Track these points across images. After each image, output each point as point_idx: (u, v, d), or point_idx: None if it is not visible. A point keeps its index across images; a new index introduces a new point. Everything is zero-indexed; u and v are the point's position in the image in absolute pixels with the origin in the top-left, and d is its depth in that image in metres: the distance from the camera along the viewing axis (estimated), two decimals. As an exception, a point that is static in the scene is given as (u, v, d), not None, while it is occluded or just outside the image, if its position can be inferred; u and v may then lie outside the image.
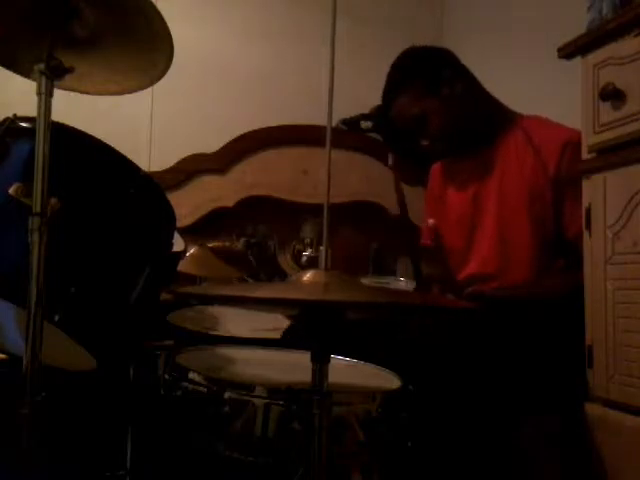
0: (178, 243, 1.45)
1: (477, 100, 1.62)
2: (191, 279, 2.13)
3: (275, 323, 1.67)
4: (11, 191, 0.95)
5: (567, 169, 1.45)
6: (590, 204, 1.24)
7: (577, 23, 1.35)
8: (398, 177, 1.73)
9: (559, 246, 1.51)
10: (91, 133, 1.10)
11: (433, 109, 1.58)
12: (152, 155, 2.69)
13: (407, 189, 2.81)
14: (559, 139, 1.48)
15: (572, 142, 1.42)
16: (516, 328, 1.37)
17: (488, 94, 1.65)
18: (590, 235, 1.24)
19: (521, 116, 1.64)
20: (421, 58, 1.65)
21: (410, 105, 1.60)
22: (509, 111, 1.65)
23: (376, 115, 2.72)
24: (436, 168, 1.83)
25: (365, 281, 2.17)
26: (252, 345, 1.49)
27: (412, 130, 1.64)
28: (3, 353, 1.29)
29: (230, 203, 2.84)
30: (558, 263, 1.52)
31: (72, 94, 1.10)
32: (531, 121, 1.61)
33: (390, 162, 1.74)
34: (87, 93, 1.15)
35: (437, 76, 1.60)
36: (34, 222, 0.92)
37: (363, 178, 2.88)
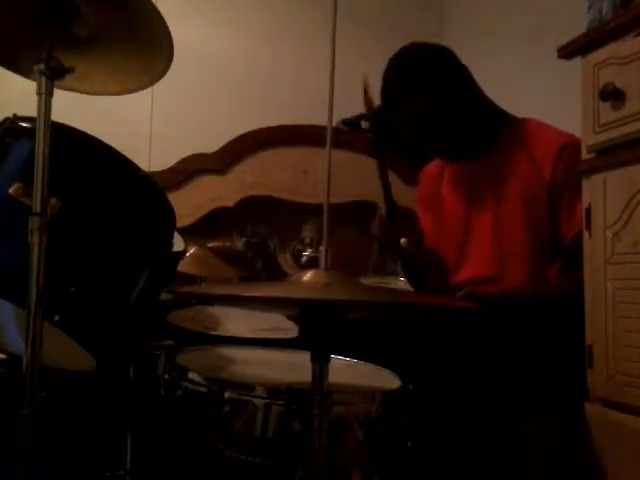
0: (178, 243, 1.45)
1: (474, 102, 1.61)
2: (191, 279, 2.13)
3: (275, 323, 1.67)
4: (11, 191, 0.95)
5: (562, 173, 1.44)
6: (590, 204, 1.24)
7: (577, 23, 1.35)
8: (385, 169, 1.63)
9: (555, 250, 1.50)
10: (91, 133, 1.10)
11: (432, 111, 1.57)
12: (152, 155, 2.69)
13: (406, 189, 2.83)
14: (554, 143, 1.48)
15: (567, 147, 1.42)
16: (516, 328, 1.37)
17: (485, 96, 1.64)
18: (590, 235, 1.24)
19: (517, 119, 1.63)
20: (421, 58, 1.61)
21: (412, 107, 1.57)
22: (506, 114, 1.64)
23: (375, 115, 2.71)
24: (428, 171, 1.81)
25: (365, 281, 2.17)
26: (252, 345, 1.49)
27: (412, 131, 1.63)
28: (3, 353, 1.29)
29: (230, 203, 2.84)
30: (554, 267, 1.52)
31: (72, 94, 1.10)
32: (528, 124, 1.59)
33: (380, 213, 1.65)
34: (87, 93, 1.15)
35: (437, 77, 1.57)
36: (34, 222, 0.92)
37: (363, 178, 2.87)
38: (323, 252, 0.92)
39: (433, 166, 1.80)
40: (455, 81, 1.58)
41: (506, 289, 1.53)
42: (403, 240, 1.60)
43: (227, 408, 1.06)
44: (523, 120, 1.62)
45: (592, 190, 1.24)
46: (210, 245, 2.26)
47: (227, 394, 1.07)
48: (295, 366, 1.25)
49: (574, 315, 1.25)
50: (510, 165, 1.56)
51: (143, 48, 1.06)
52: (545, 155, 1.49)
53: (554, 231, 1.49)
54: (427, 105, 1.56)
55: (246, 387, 1.08)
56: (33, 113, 0.96)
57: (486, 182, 1.61)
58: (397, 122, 1.63)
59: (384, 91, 1.61)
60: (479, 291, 1.52)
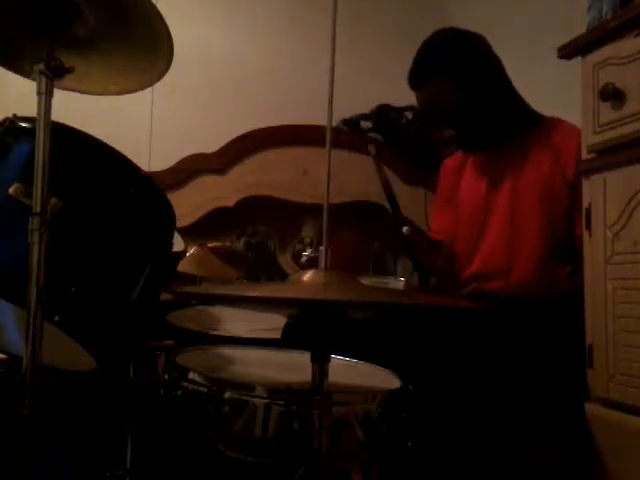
0: (178, 243, 1.45)
1: (502, 93, 1.61)
2: (191, 279, 2.13)
3: (275, 323, 1.67)
4: (11, 191, 0.95)
5: None
6: (590, 204, 1.24)
7: (577, 23, 1.35)
8: (381, 167, 1.61)
9: (568, 251, 1.50)
10: (91, 133, 1.10)
11: (461, 100, 1.56)
12: (152, 155, 2.69)
13: (407, 188, 2.83)
14: (579, 143, 1.48)
15: None
16: (516, 328, 1.37)
17: (515, 91, 1.63)
18: (590, 235, 1.24)
19: (546, 117, 1.63)
20: (458, 44, 1.61)
21: (441, 93, 1.57)
22: (532, 110, 1.64)
23: (377, 115, 2.70)
24: (448, 164, 1.82)
25: (365, 281, 2.16)
26: (252, 345, 1.49)
27: (436, 119, 1.63)
28: (3, 353, 1.29)
29: (230, 203, 2.84)
30: (565, 268, 1.51)
31: (72, 94, 1.10)
32: (553, 122, 1.60)
33: (372, 152, 1.66)
34: (87, 93, 1.15)
35: (470, 67, 1.57)
36: (34, 222, 0.92)
37: (363, 178, 2.87)
38: (323, 252, 0.92)
39: (453, 160, 1.80)
40: (484, 69, 1.58)
41: (512, 284, 1.53)
42: (406, 228, 1.60)
43: (227, 408, 1.06)
44: (553, 119, 1.62)
45: (592, 190, 1.24)
46: (210, 245, 2.25)
47: (227, 394, 1.06)
48: (295, 366, 1.25)
49: (575, 315, 1.25)
50: (532, 161, 1.57)
51: (143, 48, 1.06)
52: (570, 154, 1.49)
53: (570, 230, 1.49)
54: (454, 89, 1.56)
55: (246, 387, 1.08)
56: (33, 113, 0.96)
57: (506, 176, 1.61)
58: (419, 103, 1.63)
59: (412, 70, 1.62)
60: (484, 288, 1.52)
